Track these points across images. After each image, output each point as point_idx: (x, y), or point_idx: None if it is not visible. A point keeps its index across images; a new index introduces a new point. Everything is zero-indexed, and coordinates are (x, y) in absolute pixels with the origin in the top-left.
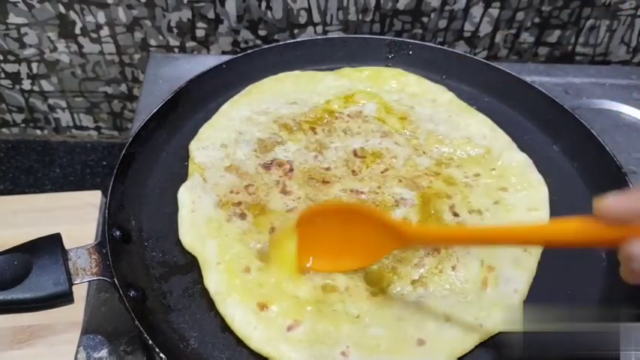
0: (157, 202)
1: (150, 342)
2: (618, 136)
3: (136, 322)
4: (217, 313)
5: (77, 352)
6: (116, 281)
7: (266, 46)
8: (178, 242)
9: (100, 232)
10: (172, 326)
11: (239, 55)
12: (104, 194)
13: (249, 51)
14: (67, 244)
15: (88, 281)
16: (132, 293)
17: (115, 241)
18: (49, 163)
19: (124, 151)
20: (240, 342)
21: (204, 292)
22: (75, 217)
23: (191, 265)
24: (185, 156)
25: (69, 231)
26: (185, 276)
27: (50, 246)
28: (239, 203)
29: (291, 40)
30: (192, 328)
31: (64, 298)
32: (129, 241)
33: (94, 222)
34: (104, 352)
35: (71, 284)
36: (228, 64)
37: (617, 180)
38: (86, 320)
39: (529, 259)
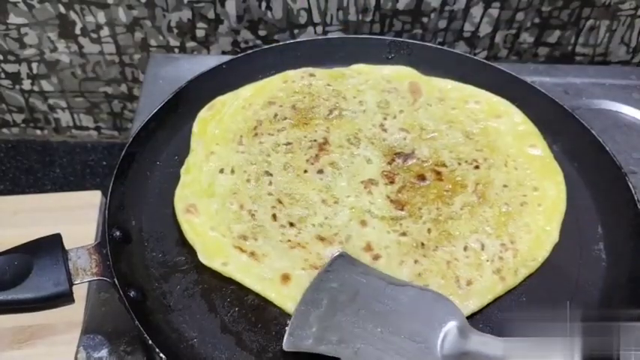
0: (157, 203)
1: (150, 342)
2: (618, 136)
3: (136, 322)
4: (217, 314)
5: (77, 352)
6: (116, 281)
7: (266, 47)
8: (178, 242)
9: (100, 233)
10: (172, 326)
11: (239, 55)
12: (104, 194)
13: (249, 51)
14: (67, 244)
15: (88, 281)
16: (132, 293)
17: (115, 241)
18: (49, 163)
19: (124, 152)
20: (239, 342)
21: (205, 292)
22: (75, 217)
23: (191, 265)
24: (185, 157)
25: (69, 231)
26: (185, 276)
27: (50, 246)
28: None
29: (291, 41)
30: (192, 328)
31: (65, 298)
32: (129, 241)
33: (94, 222)
34: (104, 352)
35: (71, 284)
36: (229, 64)
37: (617, 180)
38: (86, 320)
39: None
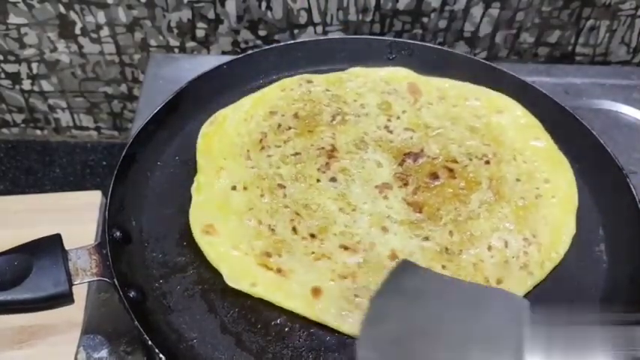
0: (158, 203)
1: (150, 343)
2: (618, 137)
3: (136, 322)
4: (217, 314)
5: (77, 352)
6: (116, 282)
7: (267, 47)
8: (179, 243)
9: (100, 233)
10: (172, 327)
11: (240, 55)
12: (104, 194)
13: (250, 52)
14: (67, 244)
15: (88, 282)
16: (132, 294)
17: (115, 241)
18: (49, 163)
19: (124, 152)
20: (239, 343)
21: (204, 293)
22: (75, 217)
23: (191, 265)
24: (185, 157)
25: (69, 231)
26: (185, 276)
27: (50, 246)
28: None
29: (292, 41)
30: (192, 329)
31: (64, 298)
32: (129, 241)
33: (94, 222)
34: (104, 353)
35: (71, 285)
36: (229, 64)
37: (618, 181)
38: (86, 320)
39: None
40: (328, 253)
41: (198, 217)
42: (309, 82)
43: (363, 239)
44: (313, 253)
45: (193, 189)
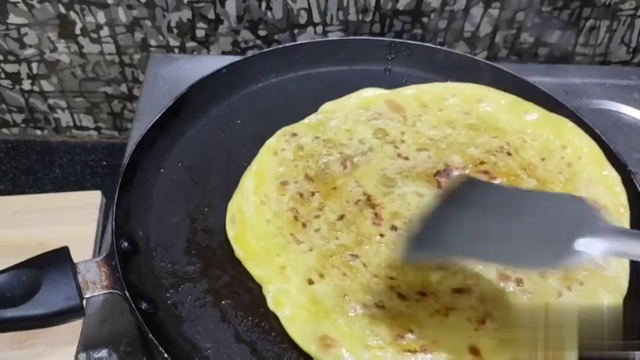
0: (163, 211)
1: (166, 355)
2: (618, 137)
3: (151, 336)
4: (231, 323)
5: (77, 352)
6: (127, 293)
7: (266, 50)
8: (186, 251)
9: (100, 233)
10: (186, 337)
11: (238, 59)
12: (104, 194)
13: (249, 55)
14: (68, 244)
15: (99, 295)
16: (144, 305)
17: (124, 252)
18: (49, 163)
19: (127, 160)
20: (254, 352)
21: (216, 302)
22: (75, 217)
23: (201, 274)
24: (188, 163)
25: (69, 231)
26: (196, 285)
27: (59, 260)
28: None
29: (291, 43)
30: (206, 339)
31: (76, 312)
32: (137, 252)
33: (94, 222)
34: (104, 352)
35: (82, 298)
36: (228, 68)
37: (622, 179)
38: (86, 320)
39: None
40: (450, 305)
41: (303, 333)
42: (294, 135)
43: (466, 276)
44: (437, 311)
45: (271, 304)
